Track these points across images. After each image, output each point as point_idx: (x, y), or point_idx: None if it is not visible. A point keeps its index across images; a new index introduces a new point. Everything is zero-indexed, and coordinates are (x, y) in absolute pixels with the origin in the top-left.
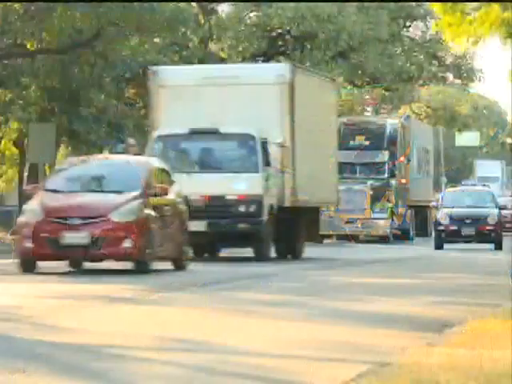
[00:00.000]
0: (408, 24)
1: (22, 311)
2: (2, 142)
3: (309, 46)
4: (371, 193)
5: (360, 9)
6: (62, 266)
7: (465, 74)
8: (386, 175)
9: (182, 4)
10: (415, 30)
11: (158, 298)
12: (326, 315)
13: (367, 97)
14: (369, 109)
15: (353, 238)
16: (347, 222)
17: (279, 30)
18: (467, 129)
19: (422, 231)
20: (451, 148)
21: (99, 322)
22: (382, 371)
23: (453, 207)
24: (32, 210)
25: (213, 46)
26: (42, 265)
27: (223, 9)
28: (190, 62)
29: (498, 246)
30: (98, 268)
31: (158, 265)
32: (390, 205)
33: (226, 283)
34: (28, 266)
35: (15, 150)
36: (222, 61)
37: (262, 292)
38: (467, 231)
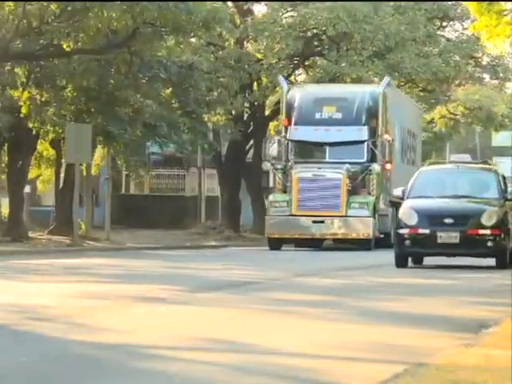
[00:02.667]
0: (444, 24)
1: (66, 311)
2: (39, 142)
3: (345, 47)
4: (347, 182)
5: (396, 9)
6: None
7: (501, 75)
8: (366, 158)
9: (217, 4)
10: (451, 30)
11: (195, 299)
12: (362, 315)
13: None
14: None
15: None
16: (315, 222)
17: (315, 31)
18: (504, 129)
19: None
20: (487, 148)
21: (138, 322)
22: (419, 372)
23: (425, 198)
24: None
25: (249, 47)
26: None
27: (259, 9)
28: (226, 63)
29: (500, 262)
30: None
31: None
32: (371, 199)
33: (263, 283)
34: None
35: (52, 151)
36: (258, 61)
37: (297, 292)
38: (447, 237)
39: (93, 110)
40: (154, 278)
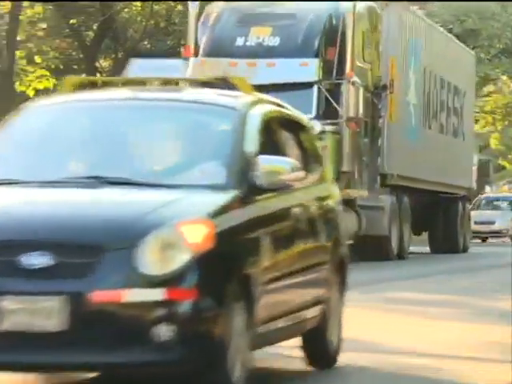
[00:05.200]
0: None
1: None
2: None
3: (471, 44)
4: None
5: None
6: None
7: None
8: (314, 112)
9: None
10: None
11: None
12: (486, 315)
13: None
14: None
15: None
16: None
17: (441, 29)
18: None
19: (447, 243)
20: None
21: None
22: None
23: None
24: None
25: None
26: None
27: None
28: None
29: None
30: None
31: None
32: None
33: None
34: None
35: None
36: None
37: (420, 291)
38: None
39: None
40: None
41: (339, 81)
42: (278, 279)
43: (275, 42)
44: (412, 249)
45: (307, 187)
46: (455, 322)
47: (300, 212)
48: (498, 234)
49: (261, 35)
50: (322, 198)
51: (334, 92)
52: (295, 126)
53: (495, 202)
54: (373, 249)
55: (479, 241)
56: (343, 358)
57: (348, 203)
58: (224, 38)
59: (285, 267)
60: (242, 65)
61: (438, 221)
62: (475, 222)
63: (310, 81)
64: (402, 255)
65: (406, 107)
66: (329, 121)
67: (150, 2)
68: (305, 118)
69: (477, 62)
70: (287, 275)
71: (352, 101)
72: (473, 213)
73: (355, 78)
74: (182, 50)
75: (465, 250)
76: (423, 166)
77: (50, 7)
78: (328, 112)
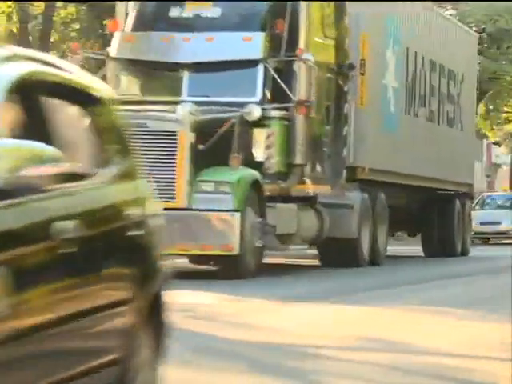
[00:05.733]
0: None
1: (219, 310)
2: None
3: (505, 44)
4: (193, 139)
5: None
6: None
7: None
8: (259, 95)
9: None
10: None
11: (348, 298)
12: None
13: None
14: None
15: None
16: None
17: (474, 28)
18: None
19: (443, 245)
20: None
21: (293, 321)
22: None
23: None
24: None
25: None
26: None
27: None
28: None
29: None
30: None
31: None
32: (244, 173)
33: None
34: None
35: None
36: None
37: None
38: None
39: None
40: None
41: (289, 58)
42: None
43: (215, 13)
44: (407, 252)
45: (89, 189)
46: (485, 322)
47: (66, 228)
48: (504, 235)
49: (198, 7)
50: (117, 206)
51: (284, 72)
52: (79, 98)
53: (499, 202)
54: (340, 253)
55: (479, 242)
56: (370, 358)
57: (306, 201)
58: (156, 9)
59: (31, 317)
60: (177, 40)
61: (432, 221)
62: (480, 223)
63: (255, 58)
64: (375, 261)
65: (383, 91)
66: (276, 105)
67: None
68: (99, 85)
69: (510, 61)
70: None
71: (304, 82)
72: (476, 213)
73: (308, 56)
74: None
75: (464, 253)
76: (406, 159)
77: (84, 8)
78: (277, 95)
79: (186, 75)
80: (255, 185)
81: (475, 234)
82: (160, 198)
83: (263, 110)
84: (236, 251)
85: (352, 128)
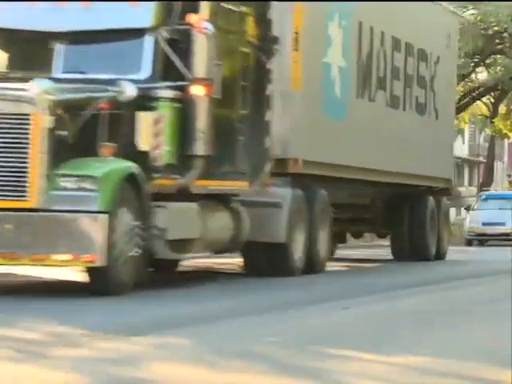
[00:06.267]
0: None
1: None
2: None
3: None
4: (46, 124)
5: None
6: None
7: None
8: (148, 72)
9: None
10: None
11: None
12: None
13: None
14: None
15: None
16: None
17: (496, 28)
18: None
19: (414, 248)
20: None
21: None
22: None
23: None
24: None
25: None
26: None
27: None
28: None
29: None
30: None
31: None
32: (124, 167)
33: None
34: None
35: None
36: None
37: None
38: None
39: None
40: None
41: (184, 27)
42: None
43: None
44: (375, 255)
45: None
46: None
47: None
48: (508, 236)
49: None
50: None
51: (180, 44)
52: None
53: (500, 201)
54: (266, 261)
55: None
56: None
57: (218, 199)
58: None
59: None
60: (46, 4)
61: (401, 221)
62: (482, 224)
63: (142, 27)
64: (314, 268)
65: (325, 71)
66: (168, 83)
67: None
68: None
69: None
70: None
71: (202, 56)
72: (477, 212)
73: (208, 25)
74: None
75: (440, 257)
76: (358, 150)
77: None
78: (170, 72)
79: (57, 47)
80: (132, 180)
81: (477, 235)
82: (8, 195)
83: (150, 89)
84: (101, 262)
85: (278, 114)
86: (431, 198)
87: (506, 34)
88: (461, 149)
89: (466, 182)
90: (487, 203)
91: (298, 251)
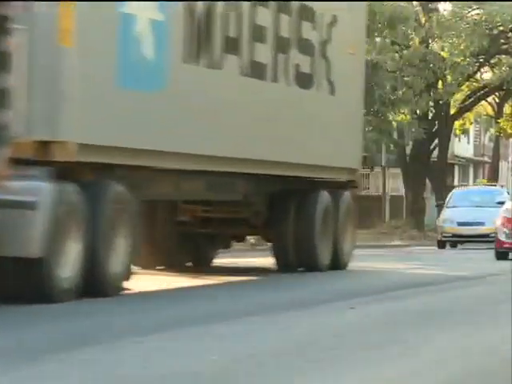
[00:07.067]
0: None
1: None
2: None
3: None
4: None
5: None
6: None
7: None
8: None
9: (403, 3)
10: None
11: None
12: None
13: None
14: None
15: None
16: None
17: (501, 28)
18: None
19: (300, 255)
20: None
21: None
22: None
23: None
24: None
25: (434, 45)
26: None
27: (445, 7)
28: (411, 62)
29: None
30: None
31: None
32: None
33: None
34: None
35: None
36: (443, 60)
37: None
38: None
39: None
40: None
41: None
42: None
43: None
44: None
45: None
46: None
47: None
48: (485, 237)
49: None
50: None
51: None
52: None
53: (478, 198)
54: (15, 283)
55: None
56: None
57: None
58: None
59: None
60: None
61: (286, 221)
62: (458, 223)
63: None
64: (105, 292)
65: (123, 25)
66: None
67: None
68: None
69: None
70: None
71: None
72: (452, 211)
73: None
74: None
75: (338, 266)
76: (185, 131)
77: None
78: None
79: None
80: None
81: (452, 236)
82: None
83: None
84: None
85: (24, 78)
86: (325, 193)
87: (510, 34)
88: (466, 149)
89: (471, 182)
90: (463, 200)
91: (66, 269)
